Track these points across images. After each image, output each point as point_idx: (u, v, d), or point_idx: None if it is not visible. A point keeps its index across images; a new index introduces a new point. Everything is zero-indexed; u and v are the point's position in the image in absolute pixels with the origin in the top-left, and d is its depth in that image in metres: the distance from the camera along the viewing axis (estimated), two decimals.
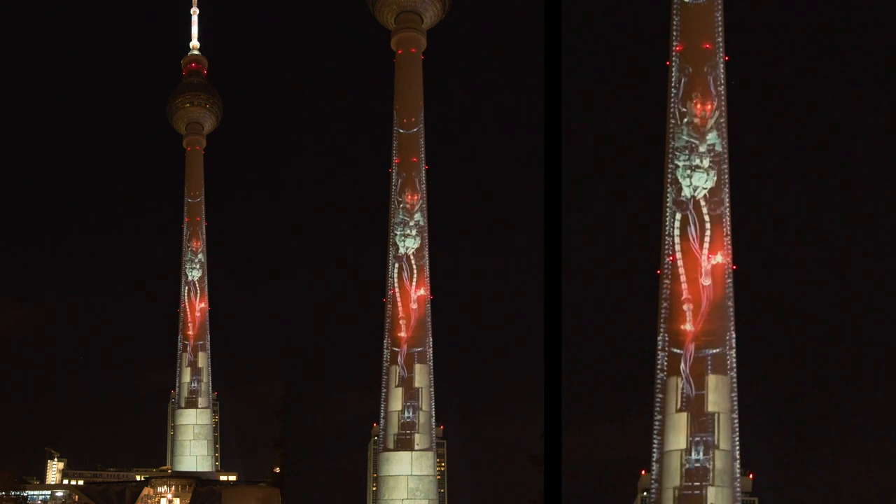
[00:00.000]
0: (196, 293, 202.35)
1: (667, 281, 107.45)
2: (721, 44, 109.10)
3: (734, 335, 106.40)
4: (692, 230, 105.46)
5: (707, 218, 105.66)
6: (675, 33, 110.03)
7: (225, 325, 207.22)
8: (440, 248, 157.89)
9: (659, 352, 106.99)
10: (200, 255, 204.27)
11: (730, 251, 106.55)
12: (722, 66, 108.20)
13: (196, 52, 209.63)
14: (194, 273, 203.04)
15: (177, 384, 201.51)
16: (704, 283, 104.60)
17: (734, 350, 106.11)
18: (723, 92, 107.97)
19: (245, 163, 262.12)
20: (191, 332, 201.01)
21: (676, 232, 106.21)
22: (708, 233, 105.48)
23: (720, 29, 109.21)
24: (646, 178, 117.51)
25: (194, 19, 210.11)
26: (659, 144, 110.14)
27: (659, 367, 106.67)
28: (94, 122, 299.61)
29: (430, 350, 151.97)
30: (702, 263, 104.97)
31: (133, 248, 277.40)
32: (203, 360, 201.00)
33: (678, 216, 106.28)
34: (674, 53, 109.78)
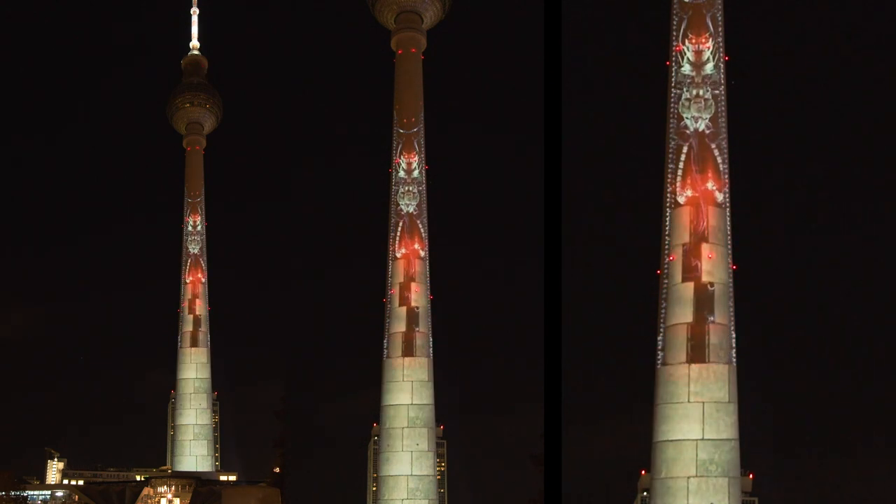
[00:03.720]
0: (195, 293, 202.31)
1: (666, 280, 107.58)
2: (721, 43, 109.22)
3: (734, 335, 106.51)
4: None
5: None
6: (674, 33, 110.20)
7: (225, 325, 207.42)
8: (440, 247, 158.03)
9: (659, 351, 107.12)
10: (200, 254, 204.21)
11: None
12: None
13: (196, 52, 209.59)
14: (193, 273, 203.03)
15: (177, 384, 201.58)
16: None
17: (734, 350, 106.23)
18: (721, 31, 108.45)
19: (245, 163, 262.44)
20: (190, 331, 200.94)
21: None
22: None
23: (720, 29, 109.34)
24: (646, 177, 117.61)
25: (194, 19, 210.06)
26: (659, 144, 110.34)
27: (659, 365, 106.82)
28: (94, 122, 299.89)
29: (431, 349, 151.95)
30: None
31: (133, 248, 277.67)
32: (203, 359, 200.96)
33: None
34: (674, 53, 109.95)
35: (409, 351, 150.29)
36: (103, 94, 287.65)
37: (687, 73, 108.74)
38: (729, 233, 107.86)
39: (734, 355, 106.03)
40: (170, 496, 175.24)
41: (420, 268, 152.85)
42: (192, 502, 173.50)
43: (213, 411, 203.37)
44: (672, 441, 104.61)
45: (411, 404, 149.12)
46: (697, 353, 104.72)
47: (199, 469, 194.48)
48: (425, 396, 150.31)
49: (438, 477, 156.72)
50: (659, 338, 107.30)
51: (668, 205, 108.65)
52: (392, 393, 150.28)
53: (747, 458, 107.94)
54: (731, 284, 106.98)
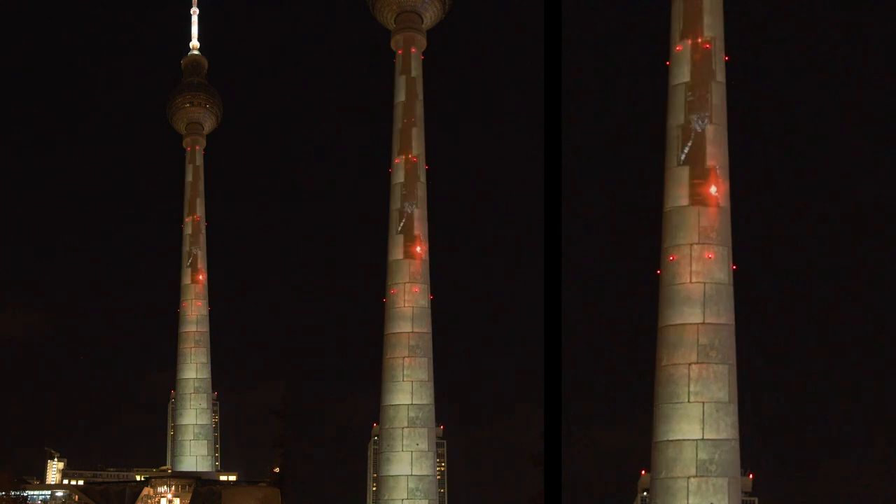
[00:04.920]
0: (195, 293, 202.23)
1: (666, 281, 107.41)
2: (721, 43, 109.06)
3: (734, 335, 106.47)
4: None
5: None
6: (674, 33, 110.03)
7: (225, 325, 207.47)
8: (440, 247, 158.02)
9: (659, 351, 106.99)
10: (200, 254, 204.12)
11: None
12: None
13: (196, 52, 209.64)
14: (193, 273, 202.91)
15: (177, 384, 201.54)
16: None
17: (734, 350, 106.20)
18: (721, 31, 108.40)
19: (245, 163, 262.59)
20: (190, 331, 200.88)
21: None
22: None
23: (720, 29, 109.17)
24: (647, 177, 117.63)
25: (194, 19, 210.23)
26: (660, 144, 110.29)
27: (659, 365, 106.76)
28: (94, 122, 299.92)
29: (431, 349, 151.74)
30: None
31: (133, 248, 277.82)
32: (203, 359, 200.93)
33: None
34: (674, 53, 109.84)
35: (409, 351, 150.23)
36: (103, 94, 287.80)
37: (687, 73, 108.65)
38: (729, 233, 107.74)
39: (734, 355, 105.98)
40: (170, 496, 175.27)
41: (420, 268, 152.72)
42: (192, 502, 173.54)
43: (213, 411, 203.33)
44: (672, 441, 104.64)
45: (411, 404, 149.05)
46: (698, 352, 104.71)
47: (200, 469, 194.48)
48: (425, 396, 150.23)
49: (438, 477, 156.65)
50: (659, 338, 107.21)
51: (668, 204, 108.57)
52: (392, 393, 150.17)
53: (747, 458, 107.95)
54: (731, 284, 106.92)
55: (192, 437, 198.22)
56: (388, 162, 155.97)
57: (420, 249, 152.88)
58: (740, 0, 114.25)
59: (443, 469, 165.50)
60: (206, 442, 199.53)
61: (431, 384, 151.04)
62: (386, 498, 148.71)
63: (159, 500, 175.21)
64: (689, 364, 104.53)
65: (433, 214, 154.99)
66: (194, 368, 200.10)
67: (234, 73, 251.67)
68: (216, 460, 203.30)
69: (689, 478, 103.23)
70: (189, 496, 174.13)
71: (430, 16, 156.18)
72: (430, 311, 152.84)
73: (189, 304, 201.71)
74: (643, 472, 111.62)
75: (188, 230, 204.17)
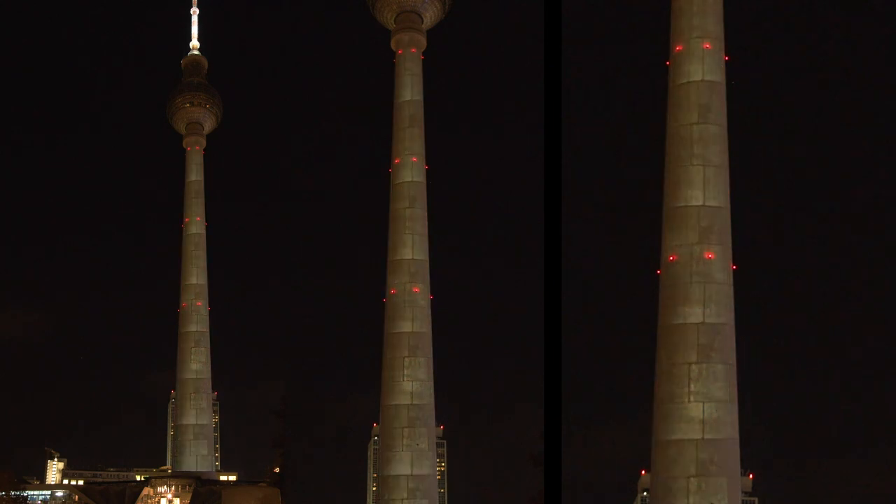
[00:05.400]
0: (195, 292, 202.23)
1: (666, 280, 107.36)
2: (721, 43, 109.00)
3: (734, 335, 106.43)
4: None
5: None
6: (674, 33, 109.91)
7: (225, 325, 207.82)
8: (440, 247, 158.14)
9: (659, 351, 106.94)
10: (200, 255, 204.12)
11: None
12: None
13: (196, 52, 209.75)
14: (193, 273, 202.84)
15: (177, 384, 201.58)
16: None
17: (734, 350, 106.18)
18: (721, 31, 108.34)
19: (245, 163, 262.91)
20: (190, 331, 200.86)
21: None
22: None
23: (721, 29, 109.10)
24: (646, 178, 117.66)
25: (194, 19, 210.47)
26: (660, 144, 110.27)
27: (659, 365, 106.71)
28: (94, 122, 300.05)
29: (431, 349, 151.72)
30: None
31: (133, 248, 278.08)
32: (203, 359, 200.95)
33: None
34: (674, 53, 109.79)
35: (409, 351, 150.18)
36: (103, 94, 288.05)
37: (687, 73, 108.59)
38: (729, 233, 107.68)
39: (734, 355, 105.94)
40: (170, 496, 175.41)
41: (420, 267, 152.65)
42: (192, 502, 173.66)
43: (213, 411, 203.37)
44: (672, 441, 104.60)
45: (411, 404, 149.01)
46: (698, 352, 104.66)
47: (200, 469, 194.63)
48: (425, 397, 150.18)
49: (438, 477, 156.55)
50: (659, 338, 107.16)
51: (668, 204, 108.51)
52: (392, 393, 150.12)
53: (747, 458, 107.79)
54: (731, 284, 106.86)
55: (192, 437, 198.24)
56: (388, 162, 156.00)
57: (420, 249, 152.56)
58: (740, 0, 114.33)
59: (443, 469, 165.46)
60: (206, 442, 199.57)
61: (431, 384, 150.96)
62: (386, 498, 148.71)
63: (159, 500, 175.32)
64: (689, 364, 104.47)
65: (433, 214, 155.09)
66: (194, 369, 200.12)
67: (234, 73, 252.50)
68: (216, 460, 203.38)
69: (689, 478, 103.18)
70: (189, 496, 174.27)
71: (430, 16, 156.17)
72: (430, 311, 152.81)
73: (189, 304, 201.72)
74: (643, 472, 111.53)
75: (188, 230, 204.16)
